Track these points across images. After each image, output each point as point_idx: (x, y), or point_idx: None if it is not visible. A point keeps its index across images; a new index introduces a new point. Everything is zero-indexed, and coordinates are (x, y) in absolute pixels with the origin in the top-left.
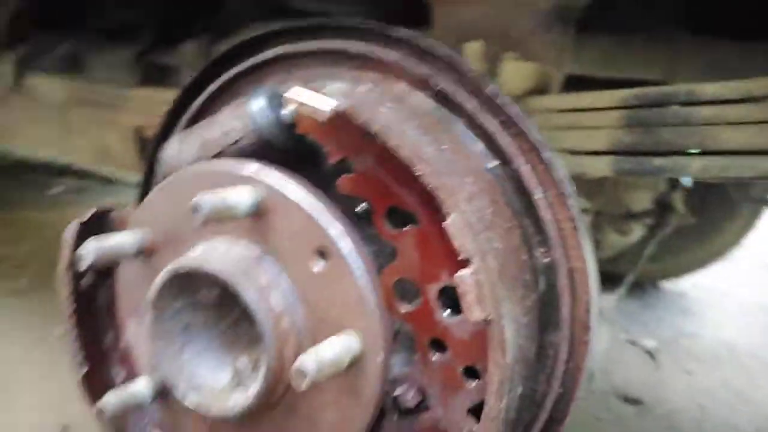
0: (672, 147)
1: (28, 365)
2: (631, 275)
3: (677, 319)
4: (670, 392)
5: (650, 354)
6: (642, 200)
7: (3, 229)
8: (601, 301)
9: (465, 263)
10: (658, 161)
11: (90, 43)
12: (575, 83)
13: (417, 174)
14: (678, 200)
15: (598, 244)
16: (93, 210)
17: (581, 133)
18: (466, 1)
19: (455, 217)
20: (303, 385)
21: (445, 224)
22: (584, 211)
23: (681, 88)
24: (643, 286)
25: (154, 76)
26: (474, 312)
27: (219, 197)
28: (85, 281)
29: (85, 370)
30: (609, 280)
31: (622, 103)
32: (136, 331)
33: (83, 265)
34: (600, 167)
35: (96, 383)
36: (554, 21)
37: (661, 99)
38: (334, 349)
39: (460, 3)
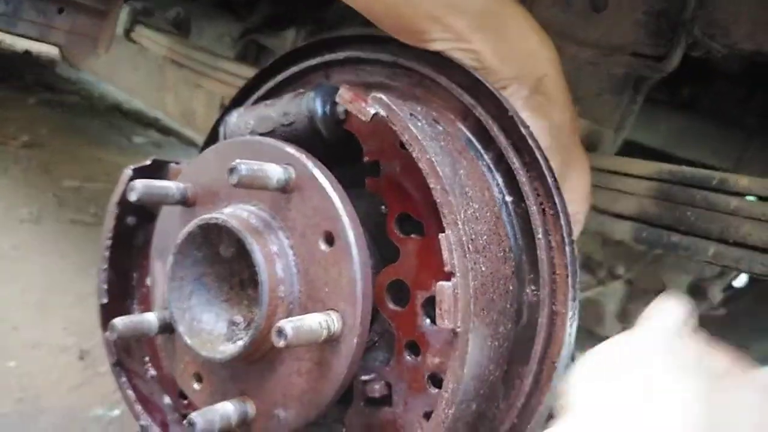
0: (692, 228)
1: (67, 292)
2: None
3: None
4: None
5: None
6: (679, 282)
7: (84, 164)
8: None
9: (449, 276)
10: (675, 238)
11: (201, 10)
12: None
13: (429, 186)
14: (715, 291)
15: (627, 315)
16: (152, 158)
17: (611, 194)
18: None
19: (449, 233)
20: (281, 343)
21: (440, 236)
22: (617, 277)
23: (715, 175)
24: None
25: (251, 54)
26: (445, 320)
27: (256, 165)
28: (130, 220)
29: (106, 299)
30: None
31: (657, 175)
32: (158, 271)
33: (131, 197)
34: (621, 231)
35: (114, 313)
36: (624, 88)
37: (694, 180)
38: (315, 321)
39: None
